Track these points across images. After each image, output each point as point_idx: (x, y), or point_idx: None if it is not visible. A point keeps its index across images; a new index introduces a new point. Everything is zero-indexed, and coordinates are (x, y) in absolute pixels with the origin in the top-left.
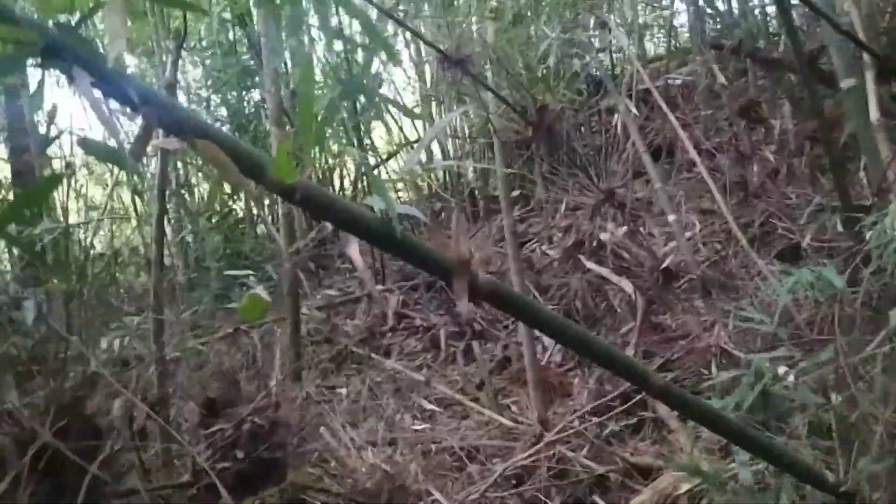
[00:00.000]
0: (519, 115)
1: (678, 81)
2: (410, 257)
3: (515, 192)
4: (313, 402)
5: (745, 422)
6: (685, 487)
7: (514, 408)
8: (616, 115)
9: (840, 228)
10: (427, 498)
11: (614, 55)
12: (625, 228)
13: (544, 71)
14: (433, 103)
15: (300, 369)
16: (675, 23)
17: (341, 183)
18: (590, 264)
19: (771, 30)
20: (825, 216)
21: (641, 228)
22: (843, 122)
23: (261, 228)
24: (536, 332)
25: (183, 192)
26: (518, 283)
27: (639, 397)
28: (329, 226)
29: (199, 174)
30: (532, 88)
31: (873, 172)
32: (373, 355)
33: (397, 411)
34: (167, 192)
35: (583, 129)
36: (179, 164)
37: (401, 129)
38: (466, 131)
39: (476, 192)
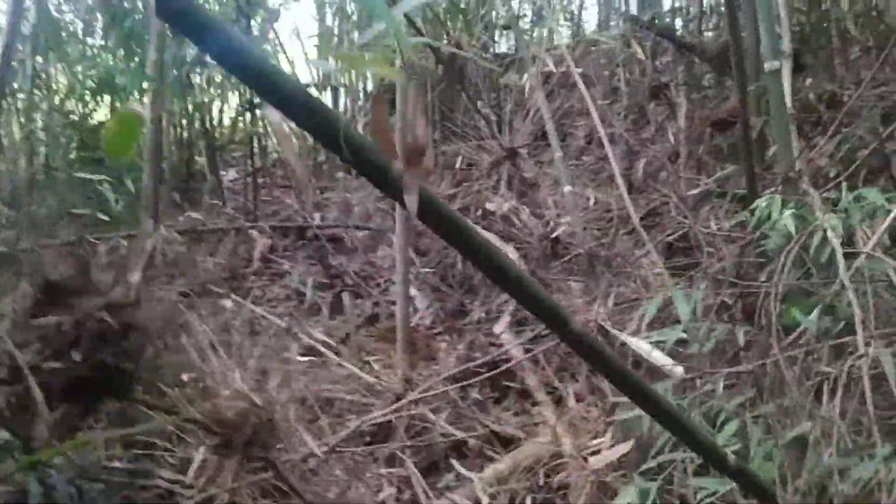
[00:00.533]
0: (432, 51)
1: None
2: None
3: None
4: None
5: None
6: (544, 460)
7: (376, 365)
8: (525, 76)
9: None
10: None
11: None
12: (513, 202)
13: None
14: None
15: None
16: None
17: None
18: (476, 229)
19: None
20: (720, 202)
21: (535, 197)
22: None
23: None
24: (412, 292)
25: (38, 85)
26: (401, 245)
27: (507, 366)
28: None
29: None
30: (449, 23)
31: (783, 160)
32: (232, 296)
33: (252, 356)
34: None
35: (488, 81)
36: (39, 59)
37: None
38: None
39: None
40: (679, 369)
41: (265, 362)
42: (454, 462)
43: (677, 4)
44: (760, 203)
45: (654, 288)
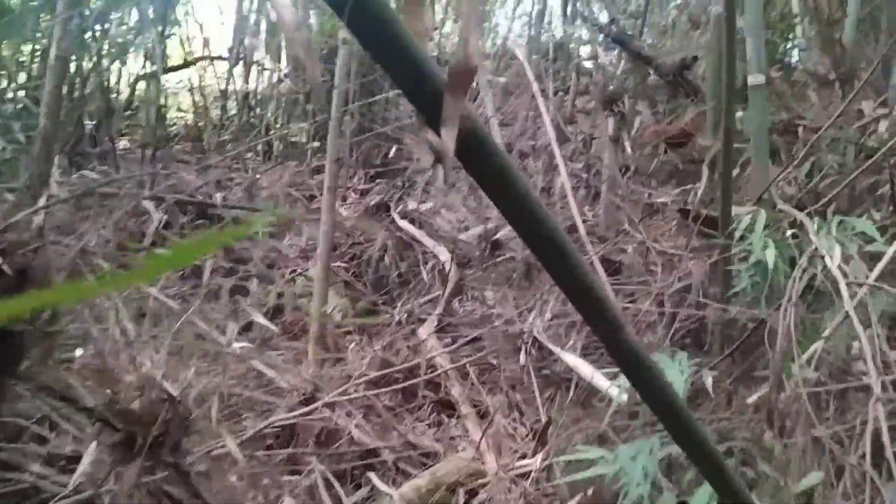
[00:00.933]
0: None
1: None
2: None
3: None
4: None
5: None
6: (465, 478)
7: (280, 361)
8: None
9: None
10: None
11: None
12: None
13: None
14: None
15: None
16: None
17: None
18: (403, 223)
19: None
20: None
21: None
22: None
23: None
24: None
25: None
26: (326, 231)
27: (434, 374)
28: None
29: None
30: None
31: (759, 181)
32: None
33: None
34: None
35: None
36: None
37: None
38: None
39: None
40: (623, 396)
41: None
42: (371, 475)
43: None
44: (740, 223)
45: None
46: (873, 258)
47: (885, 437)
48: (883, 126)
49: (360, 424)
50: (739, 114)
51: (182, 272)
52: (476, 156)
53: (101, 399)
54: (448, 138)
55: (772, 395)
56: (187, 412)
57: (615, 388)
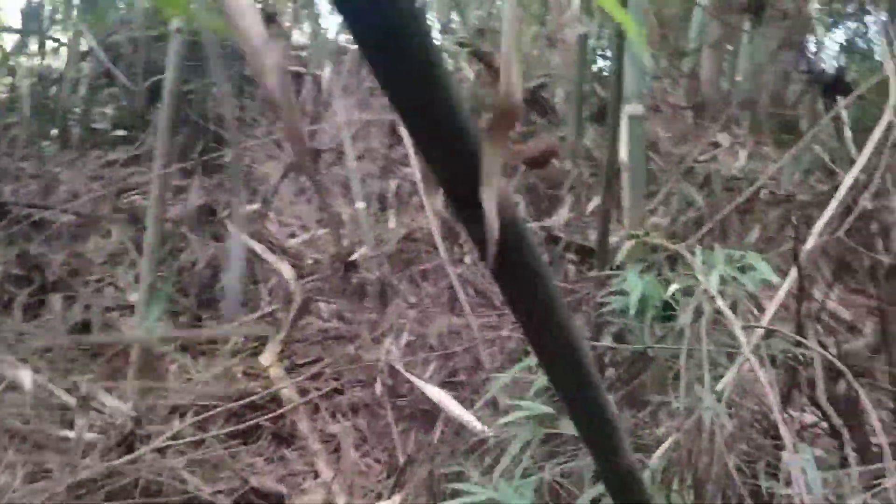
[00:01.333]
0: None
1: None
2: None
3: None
4: None
5: None
6: None
7: (84, 386)
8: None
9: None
10: None
11: None
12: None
13: None
14: None
15: None
16: None
17: None
18: (238, 233)
19: None
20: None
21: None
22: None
23: None
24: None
25: None
26: (153, 234)
27: (255, 397)
28: None
29: None
30: None
31: (634, 214)
32: None
33: None
34: None
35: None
36: None
37: None
38: None
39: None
40: (487, 430)
41: None
42: None
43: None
44: (616, 255)
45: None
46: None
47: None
48: (743, 156)
49: (190, 466)
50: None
51: None
52: (513, 252)
53: None
54: (490, 207)
55: (688, 444)
56: None
57: (483, 426)
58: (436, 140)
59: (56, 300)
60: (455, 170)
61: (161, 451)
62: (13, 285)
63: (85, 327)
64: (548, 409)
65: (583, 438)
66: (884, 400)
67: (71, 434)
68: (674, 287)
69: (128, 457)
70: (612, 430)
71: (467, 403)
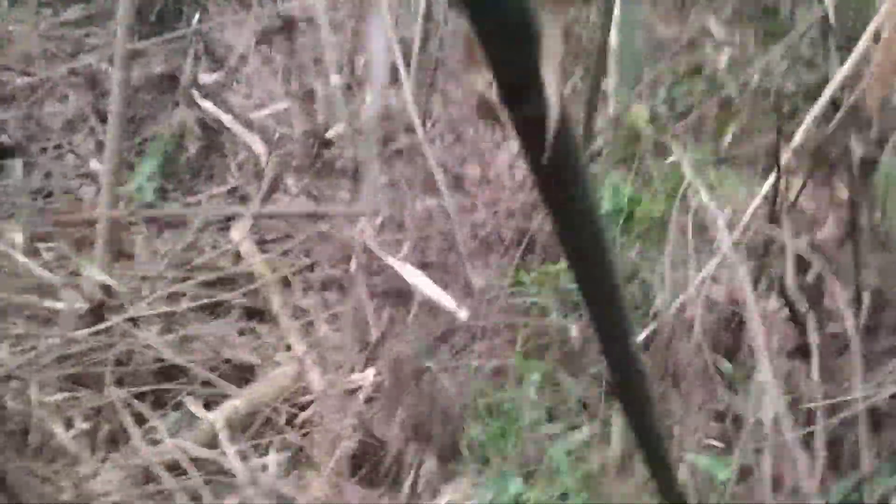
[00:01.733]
0: None
1: None
2: None
3: None
4: None
5: None
6: (288, 395)
7: (48, 255)
8: None
9: None
10: None
11: None
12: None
13: None
14: None
15: None
16: None
17: None
18: (206, 104)
19: None
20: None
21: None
22: None
23: None
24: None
25: None
26: (118, 97)
27: (227, 271)
28: None
29: None
30: None
31: (620, 95)
32: None
33: None
34: None
35: None
36: None
37: None
38: None
39: None
40: (463, 313)
41: None
42: (187, 399)
43: None
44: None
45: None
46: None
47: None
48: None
49: (162, 337)
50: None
51: None
52: (561, 146)
53: None
54: (552, 87)
55: (664, 338)
56: None
57: (461, 309)
58: (488, 9)
59: (17, 164)
60: (509, 46)
61: (133, 322)
62: None
63: (46, 195)
64: None
65: (598, 330)
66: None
67: (44, 303)
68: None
69: (100, 325)
70: (627, 329)
71: (440, 285)
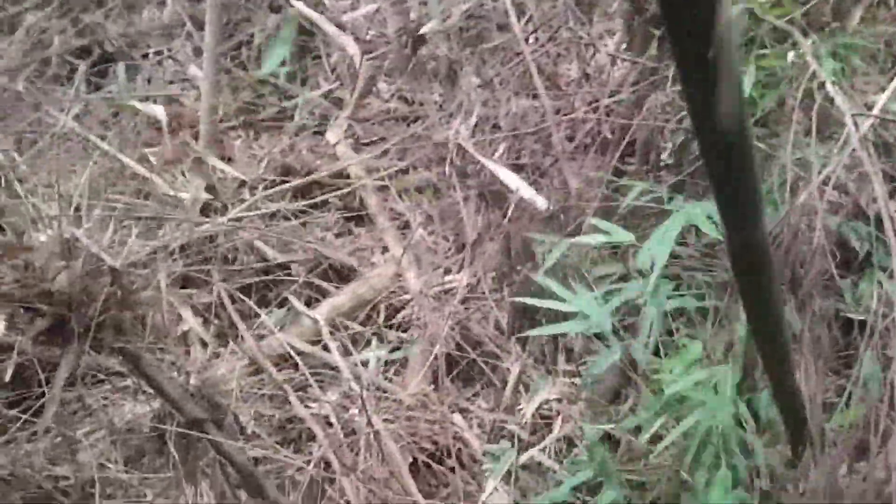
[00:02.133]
0: None
1: None
2: None
3: None
4: None
5: None
6: (385, 294)
7: (153, 159)
8: None
9: None
10: None
11: None
12: None
13: None
14: None
15: None
16: None
17: None
18: (298, 3)
19: None
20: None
21: None
22: None
23: None
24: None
25: None
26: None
27: (325, 173)
28: None
29: None
30: None
31: None
32: None
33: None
34: None
35: None
36: None
37: None
38: None
39: None
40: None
41: None
42: (290, 297)
43: None
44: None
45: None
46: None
47: None
48: None
49: (264, 236)
50: None
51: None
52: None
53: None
54: None
55: (785, 239)
56: (129, 283)
57: (540, 198)
58: None
59: (119, 69)
60: None
61: (237, 221)
62: (73, 56)
63: (148, 100)
64: (629, 237)
65: (725, 217)
66: None
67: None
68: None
69: (205, 225)
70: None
71: (535, 187)
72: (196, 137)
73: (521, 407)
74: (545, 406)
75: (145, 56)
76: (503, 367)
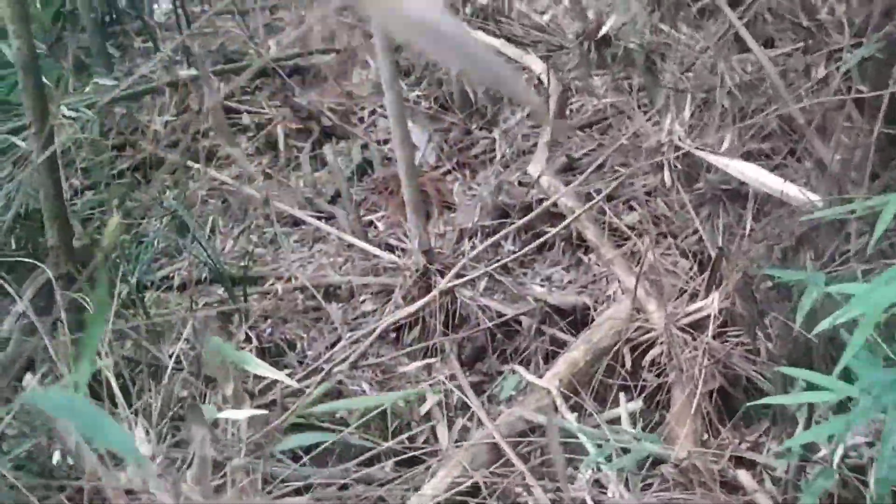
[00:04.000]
0: None
1: None
2: None
3: None
4: None
5: None
6: (627, 335)
7: (381, 225)
8: None
9: None
10: None
11: None
12: None
13: None
14: None
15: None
16: None
17: None
18: (477, 33)
19: None
20: None
21: None
22: None
23: None
24: (410, 124)
25: None
26: (387, 63)
27: (534, 214)
28: None
29: None
30: None
31: None
32: (190, 163)
33: (227, 237)
34: None
35: None
36: None
37: None
38: None
39: None
40: (811, 195)
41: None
42: (518, 368)
43: None
44: None
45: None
46: None
47: None
48: None
49: (489, 288)
50: None
51: (256, 145)
52: None
53: None
54: None
55: None
56: None
57: (811, 195)
58: None
59: (328, 148)
60: None
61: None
62: (294, 138)
63: (367, 165)
64: None
65: None
66: None
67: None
68: None
69: (424, 300)
70: None
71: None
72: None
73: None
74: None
75: (361, 121)
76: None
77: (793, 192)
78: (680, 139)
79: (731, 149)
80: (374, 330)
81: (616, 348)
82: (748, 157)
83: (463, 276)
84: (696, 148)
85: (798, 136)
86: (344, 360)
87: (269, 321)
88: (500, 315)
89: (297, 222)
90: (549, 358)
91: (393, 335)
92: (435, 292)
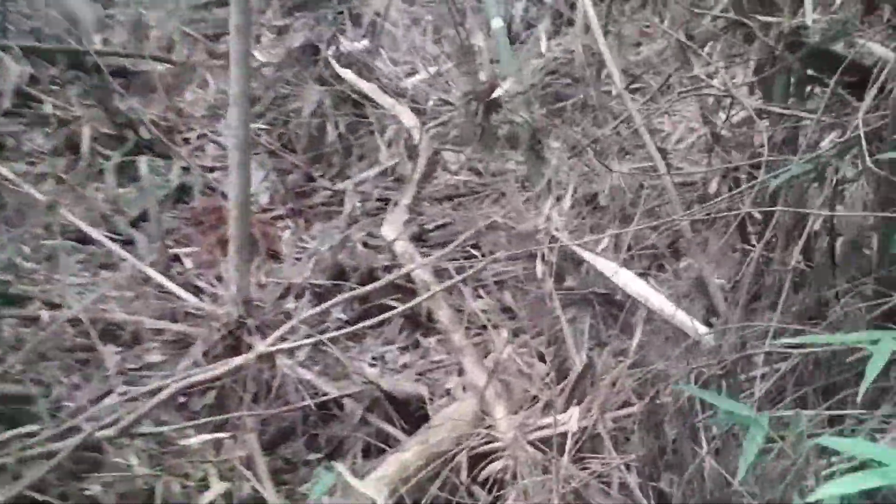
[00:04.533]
0: None
1: None
2: None
3: None
4: None
5: None
6: (468, 441)
7: (189, 262)
8: None
9: None
10: None
11: None
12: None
13: None
14: None
15: None
16: None
17: None
18: (346, 73)
19: None
20: None
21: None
22: None
23: None
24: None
25: None
26: (239, 82)
27: (383, 282)
28: None
29: None
30: None
31: None
32: None
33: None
34: None
35: None
36: None
37: None
38: None
39: None
40: (702, 329)
41: None
42: (336, 465)
43: None
44: None
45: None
46: None
47: None
48: None
49: (310, 362)
50: None
51: (54, 143)
52: None
53: None
54: None
55: None
56: None
57: (699, 325)
58: None
59: (143, 163)
60: None
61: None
62: (105, 145)
63: (184, 190)
64: None
65: None
66: None
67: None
68: None
69: (236, 362)
70: None
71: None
72: None
73: None
74: None
75: (187, 141)
76: None
77: (685, 319)
78: (557, 230)
79: (608, 248)
80: (159, 389)
81: (455, 455)
82: (629, 263)
83: (286, 339)
84: (577, 244)
85: (682, 250)
86: (112, 424)
87: (21, 354)
88: (320, 394)
89: (85, 240)
90: (371, 453)
91: (181, 398)
92: (253, 354)
